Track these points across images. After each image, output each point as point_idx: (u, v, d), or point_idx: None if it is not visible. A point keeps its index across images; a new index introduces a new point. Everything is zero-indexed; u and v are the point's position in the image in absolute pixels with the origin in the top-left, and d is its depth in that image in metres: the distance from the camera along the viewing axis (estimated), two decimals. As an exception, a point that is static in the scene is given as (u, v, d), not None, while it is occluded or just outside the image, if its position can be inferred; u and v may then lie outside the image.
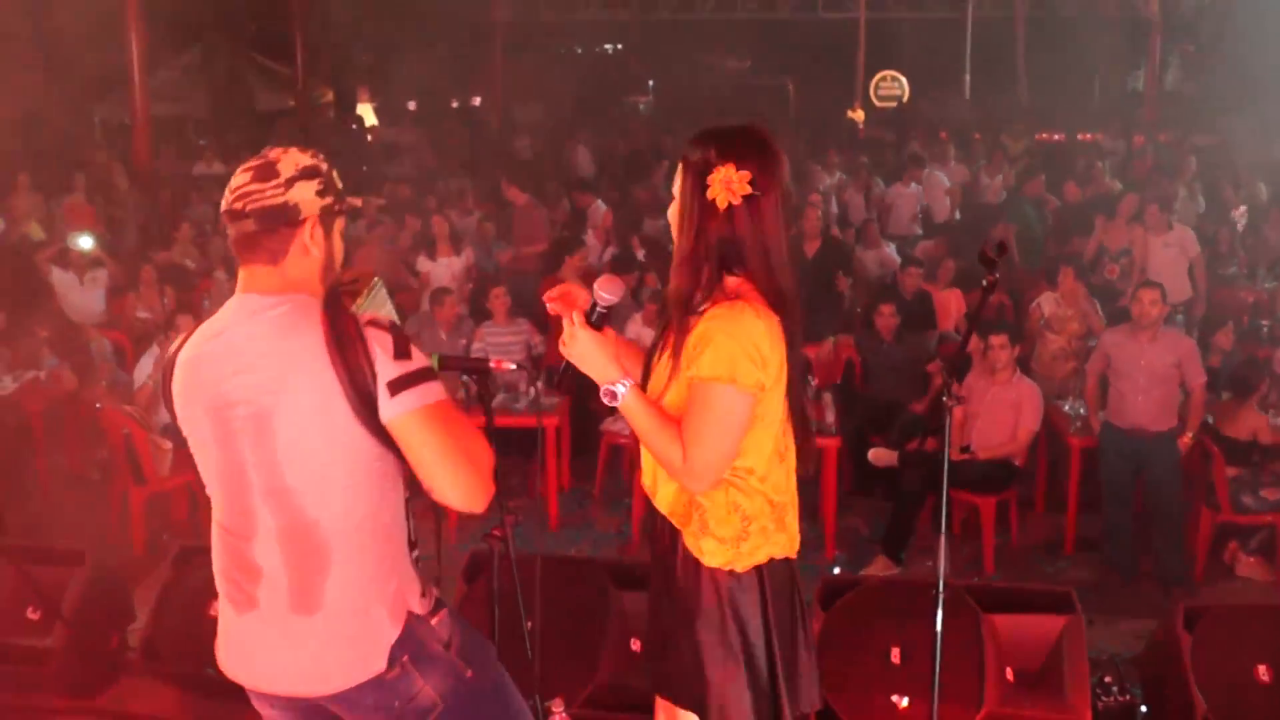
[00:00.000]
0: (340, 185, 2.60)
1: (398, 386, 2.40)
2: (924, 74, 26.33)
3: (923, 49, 26.26)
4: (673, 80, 29.39)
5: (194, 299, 9.33)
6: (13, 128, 13.87)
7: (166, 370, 2.61)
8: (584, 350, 2.76)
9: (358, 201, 2.63)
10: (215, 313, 2.60)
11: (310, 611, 2.51)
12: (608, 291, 2.77)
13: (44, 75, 15.02)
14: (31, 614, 4.75)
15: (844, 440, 7.21)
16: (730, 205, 2.67)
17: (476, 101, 27.94)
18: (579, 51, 32.27)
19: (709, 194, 2.69)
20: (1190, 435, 6.70)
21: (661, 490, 2.86)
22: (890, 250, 11.06)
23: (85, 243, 10.00)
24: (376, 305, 2.78)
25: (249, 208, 2.48)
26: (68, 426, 8.14)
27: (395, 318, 2.78)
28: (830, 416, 7.12)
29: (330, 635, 2.52)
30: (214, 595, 2.69)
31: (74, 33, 14.05)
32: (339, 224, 2.61)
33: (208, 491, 2.62)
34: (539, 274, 9.62)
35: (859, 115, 24.78)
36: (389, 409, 2.41)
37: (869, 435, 7.68)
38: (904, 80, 25.62)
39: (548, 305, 2.87)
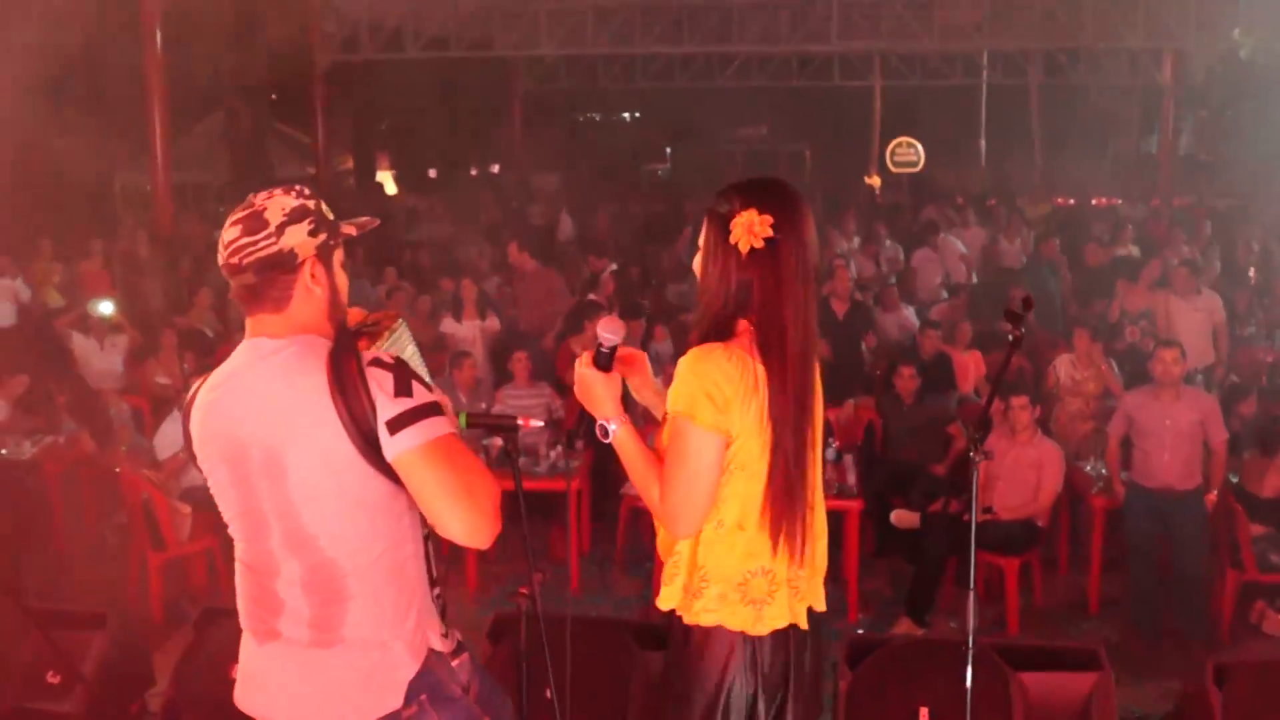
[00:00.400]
0: (331, 216, 2.58)
1: (397, 425, 2.40)
2: (940, 140, 26.49)
3: (938, 116, 26.44)
4: (691, 147, 29.66)
5: (213, 364, 9.33)
6: (35, 194, 14.00)
7: (185, 415, 2.64)
8: (584, 388, 2.83)
9: (352, 229, 2.61)
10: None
11: (329, 645, 2.51)
12: (608, 332, 2.81)
13: (66, 141, 15.16)
14: (52, 678, 4.73)
15: (865, 502, 7.18)
16: (752, 249, 2.69)
17: (495, 169, 28.21)
18: (597, 119, 32.61)
19: (731, 238, 2.70)
20: (1215, 493, 6.66)
21: (662, 532, 2.89)
22: (910, 314, 11.06)
23: (106, 308, 10.05)
24: (399, 346, 2.78)
25: (245, 261, 2.48)
26: (86, 491, 8.13)
27: (417, 358, 2.80)
28: (851, 478, 7.10)
29: (348, 669, 2.51)
30: (236, 658, 2.68)
31: (97, 99, 14.24)
32: (338, 256, 2.61)
33: (231, 531, 2.63)
34: (558, 338, 9.65)
35: (875, 181, 24.92)
36: (391, 448, 2.41)
37: (890, 497, 7.65)
38: (919, 147, 25.77)
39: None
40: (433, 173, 25.71)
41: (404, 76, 21.25)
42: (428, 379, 2.54)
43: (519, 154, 25.78)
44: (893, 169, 25.82)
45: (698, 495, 2.69)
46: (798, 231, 2.73)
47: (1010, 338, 3.26)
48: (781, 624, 2.76)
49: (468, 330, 9.99)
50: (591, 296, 10.64)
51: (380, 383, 2.42)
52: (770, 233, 2.69)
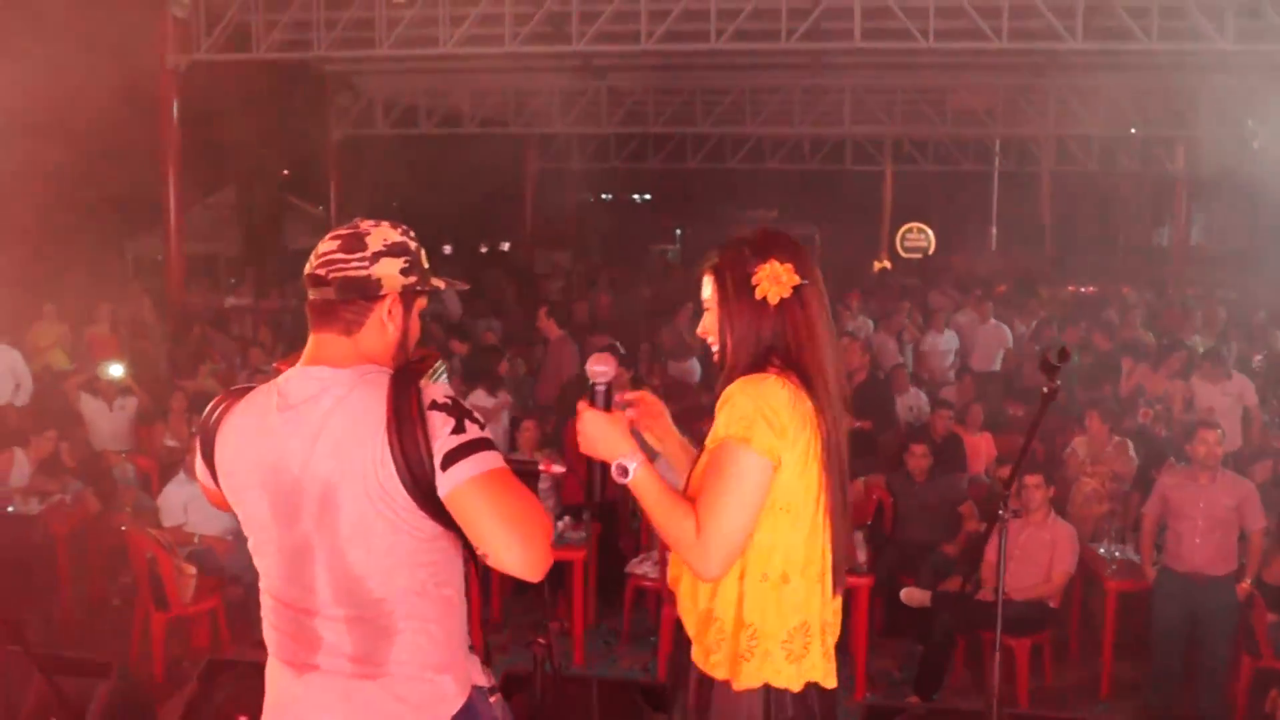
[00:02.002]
0: (427, 265, 2.57)
1: (451, 459, 2.34)
2: (951, 226, 26.64)
3: (950, 201, 26.62)
4: (701, 229, 29.80)
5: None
6: (43, 261, 14.07)
7: (207, 436, 2.56)
8: (591, 430, 2.67)
9: (441, 283, 2.59)
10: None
11: (375, 676, 2.44)
12: (598, 366, 2.71)
13: (79, 213, 15.30)
14: (53, 727, 4.65)
15: (875, 580, 7.09)
16: (781, 299, 2.64)
17: (505, 246, 28.37)
18: (607, 199, 32.83)
19: (758, 292, 2.65)
20: (1250, 581, 6.54)
21: (683, 589, 2.76)
22: (919, 395, 11.02)
23: (116, 370, 10.06)
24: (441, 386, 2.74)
25: (331, 275, 2.46)
26: (92, 550, 8.09)
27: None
28: (862, 556, 7.01)
29: (395, 700, 2.44)
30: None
31: (110, 171, 14.36)
32: (419, 303, 2.58)
33: (257, 563, 2.55)
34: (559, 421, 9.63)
35: (885, 265, 25.01)
36: (445, 483, 2.35)
37: (900, 576, 7.56)
38: (930, 232, 25.92)
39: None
40: (447, 249, 25.84)
41: (417, 152, 21.42)
42: (479, 418, 2.48)
43: (530, 232, 25.96)
44: (903, 254, 25.94)
45: (742, 527, 2.57)
46: (816, 274, 2.71)
47: (1044, 389, 3.20)
48: (814, 677, 2.68)
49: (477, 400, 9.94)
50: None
51: (438, 424, 2.37)
52: (797, 279, 2.65)
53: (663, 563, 7.22)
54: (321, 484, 2.39)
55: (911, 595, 7.20)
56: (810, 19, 12.64)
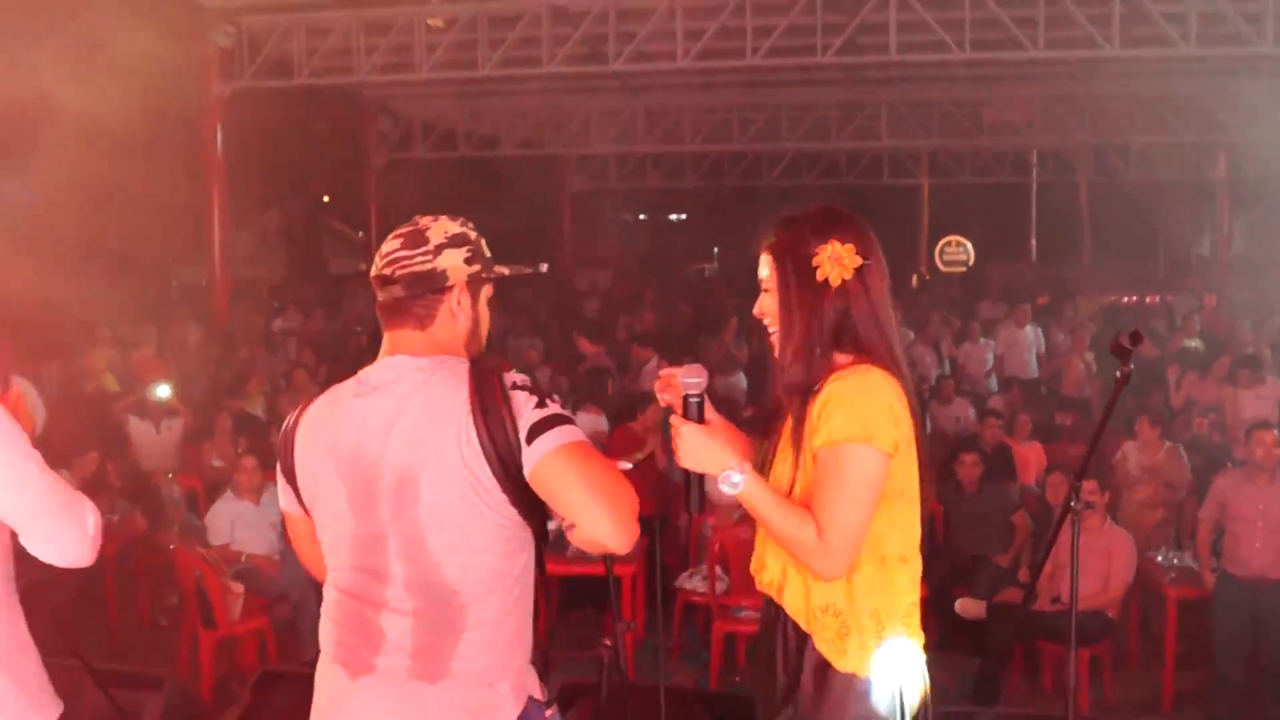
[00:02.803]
0: (489, 254, 2.58)
1: (536, 431, 2.34)
2: (989, 238, 26.48)
3: (988, 213, 26.45)
4: (738, 246, 29.76)
5: (265, 446, 9.39)
6: (95, 289, 14.21)
7: (285, 447, 2.56)
8: (692, 444, 2.62)
9: (505, 270, 2.60)
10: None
11: (434, 679, 2.40)
12: (692, 378, 2.67)
13: (125, 239, 15.43)
14: (109, 738, 4.66)
15: (928, 593, 6.99)
16: (844, 280, 2.60)
17: (544, 267, 28.40)
18: (644, 219, 32.86)
19: (819, 274, 2.60)
20: None
21: (791, 589, 2.69)
22: (965, 405, 10.94)
23: (163, 391, 10.14)
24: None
25: (397, 273, 2.49)
26: (140, 571, 8.12)
27: None
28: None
29: (451, 706, 2.40)
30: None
31: (156, 198, 14.50)
32: (486, 291, 2.60)
33: (328, 559, 2.54)
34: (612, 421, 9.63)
35: (924, 276, 24.87)
36: (530, 457, 2.33)
37: (953, 588, 7.46)
38: (969, 245, 25.77)
39: (659, 399, 2.78)
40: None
41: (457, 175, 21.53)
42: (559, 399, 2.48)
43: (568, 252, 26.01)
44: (942, 267, 25.81)
45: (866, 525, 2.54)
46: (878, 253, 2.66)
47: (1117, 373, 3.13)
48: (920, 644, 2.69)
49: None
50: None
51: (521, 402, 2.37)
52: (859, 260, 2.61)
53: (711, 577, 7.17)
54: (400, 468, 2.38)
55: (967, 606, 7.10)
56: (845, 33, 12.60)
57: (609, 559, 3.09)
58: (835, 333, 2.63)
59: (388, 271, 2.50)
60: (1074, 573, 3.28)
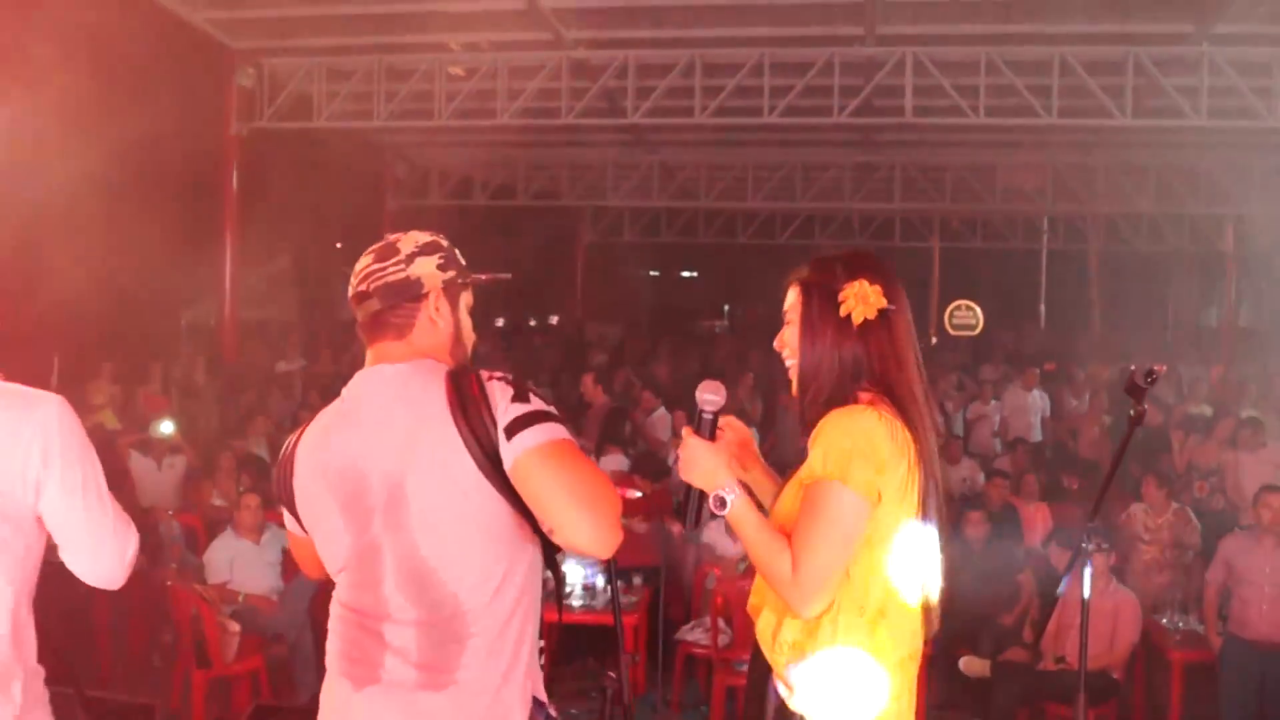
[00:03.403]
0: (464, 262, 2.59)
1: (515, 427, 2.31)
2: (999, 303, 26.49)
3: (998, 278, 26.48)
4: (749, 304, 29.82)
5: (267, 486, 9.37)
6: (100, 328, 14.22)
7: (285, 465, 2.55)
8: (694, 456, 2.62)
9: (483, 276, 2.62)
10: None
11: (440, 687, 2.36)
12: (709, 395, 2.67)
13: (134, 279, 15.47)
14: (97, 770, 4.60)
15: (932, 651, 6.93)
16: (865, 320, 2.58)
17: (554, 320, 28.47)
18: (656, 275, 32.92)
19: (843, 310, 2.59)
20: None
21: (764, 618, 2.67)
22: (973, 465, 10.91)
23: (166, 428, 10.12)
24: None
25: (372, 287, 2.49)
26: (135, 608, 8.04)
27: None
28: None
29: (459, 714, 2.36)
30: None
31: (169, 236, 14.57)
32: (465, 299, 2.61)
33: (334, 576, 2.51)
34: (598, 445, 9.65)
35: (932, 339, 24.84)
36: (509, 451, 2.31)
37: (957, 647, 7.39)
38: (978, 310, 25.77)
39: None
40: (500, 321, 25.98)
41: (470, 223, 21.61)
42: (545, 395, 2.44)
43: (580, 305, 26.06)
44: (951, 331, 25.78)
45: (836, 565, 2.48)
46: (904, 299, 2.66)
47: (1130, 413, 3.12)
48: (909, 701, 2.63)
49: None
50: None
51: (500, 395, 2.35)
52: (884, 303, 2.59)
53: (714, 629, 7.11)
54: (387, 477, 2.36)
55: (971, 664, 7.04)
56: (861, 95, 12.69)
57: (615, 600, 3.06)
58: (854, 370, 2.61)
59: (363, 287, 2.51)
60: (1084, 619, 3.23)
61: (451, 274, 2.54)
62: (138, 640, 8.09)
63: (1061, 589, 3.69)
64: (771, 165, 19.42)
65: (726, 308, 33.48)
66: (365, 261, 2.54)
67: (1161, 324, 26.95)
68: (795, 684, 2.58)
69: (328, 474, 2.44)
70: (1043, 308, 27.84)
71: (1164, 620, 7.11)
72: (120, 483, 9.53)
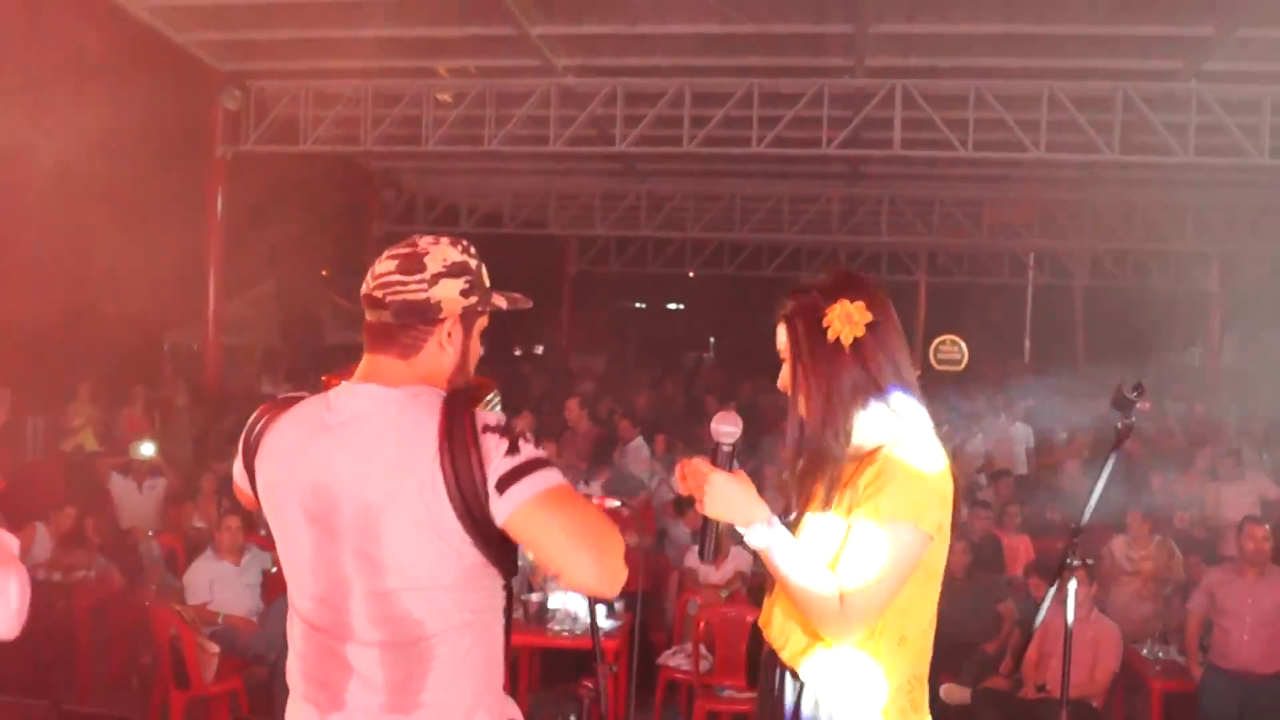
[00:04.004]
0: (488, 284, 2.48)
1: (508, 481, 2.23)
2: (984, 337, 26.53)
3: (984, 313, 26.53)
4: (735, 337, 29.83)
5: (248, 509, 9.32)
6: (83, 351, 14.17)
7: (249, 445, 2.45)
8: (723, 493, 2.54)
9: (503, 302, 2.49)
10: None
11: (407, 710, 2.30)
12: (726, 426, 2.60)
13: (116, 305, 15.41)
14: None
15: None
16: (855, 339, 2.55)
17: (539, 350, 28.46)
18: (643, 307, 32.98)
19: (830, 335, 2.56)
20: None
21: (793, 641, 2.63)
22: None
23: (147, 449, 10.07)
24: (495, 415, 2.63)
25: (389, 299, 2.37)
26: (114, 628, 8.00)
27: None
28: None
29: None
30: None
31: (154, 260, 14.55)
32: (480, 323, 2.49)
33: (291, 589, 2.44)
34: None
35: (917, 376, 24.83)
36: (504, 507, 2.23)
37: (939, 675, 7.35)
38: (963, 345, 25.82)
39: (679, 489, 2.67)
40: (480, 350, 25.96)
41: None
42: (532, 439, 2.35)
43: (566, 335, 26.04)
44: (936, 366, 25.82)
45: (889, 599, 2.48)
46: (889, 309, 2.62)
47: (1118, 425, 3.10)
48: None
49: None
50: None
51: (491, 447, 2.25)
52: (870, 316, 2.56)
53: (696, 655, 7.08)
54: (365, 506, 2.27)
55: (951, 692, 7.01)
56: (850, 127, 12.74)
57: (594, 615, 3.01)
58: (856, 392, 2.58)
59: (379, 294, 2.37)
60: (1068, 638, 3.21)
61: (473, 300, 2.42)
62: (117, 661, 8.04)
63: (1044, 610, 3.63)
64: (759, 197, 19.47)
65: (713, 340, 33.50)
66: (387, 267, 2.39)
67: (1146, 361, 27.02)
68: (818, 697, 2.56)
69: (301, 487, 2.35)
70: (1028, 343, 27.90)
71: (1144, 650, 7.09)
72: (100, 504, 9.49)
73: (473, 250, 2.47)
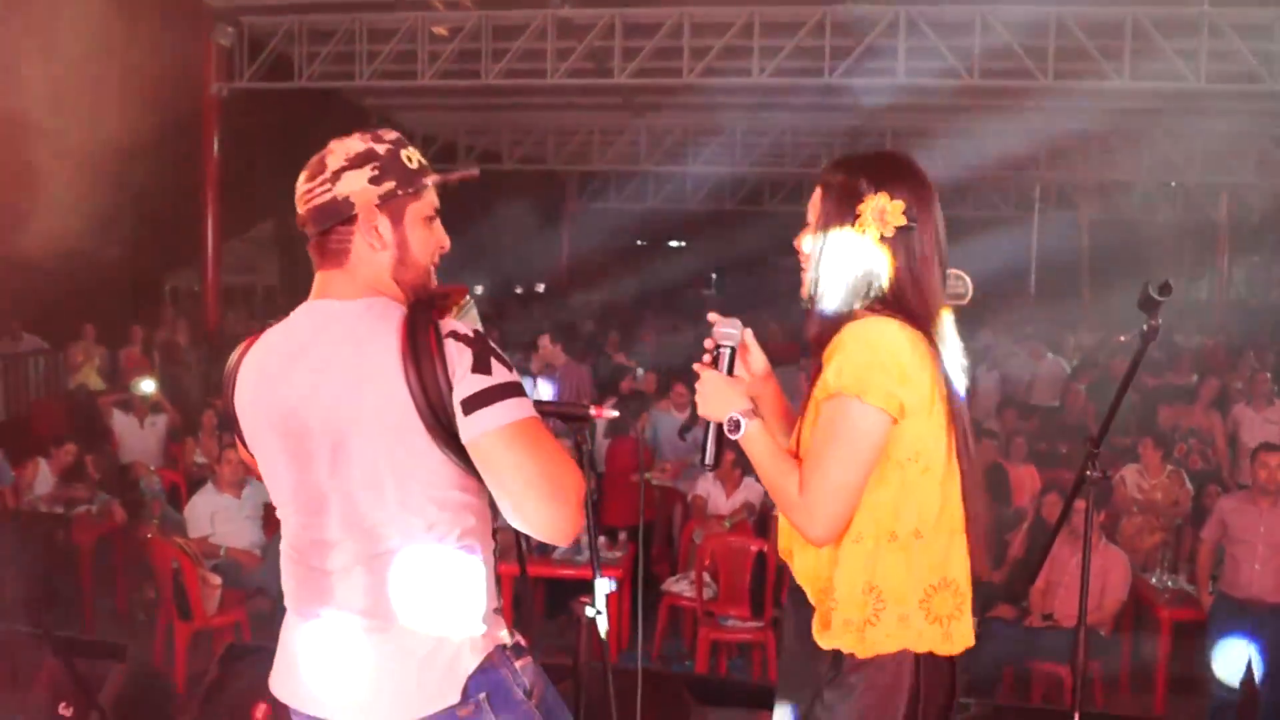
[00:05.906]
0: (413, 165, 2.28)
1: (473, 404, 2.13)
2: (989, 271, 26.38)
3: (988, 247, 26.35)
4: (737, 274, 29.70)
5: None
6: (83, 294, 14.11)
7: (228, 383, 2.39)
8: (710, 388, 2.50)
9: (435, 176, 2.32)
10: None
11: (384, 629, 2.24)
12: (726, 328, 2.55)
13: (120, 248, 15.32)
14: (64, 710, 4.50)
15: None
16: (882, 237, 2.42)
17: (540, 288, 28.36)
18: (642, 244, 32.76)
19: (859, 224, 2.44)
20: None
21: (799, 557, 2.53)
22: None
23: (147, 386, 10.05)
24: (468, 323, 2.52)
25: (303, 210, 2.27)
26: (117, 562, 8.00)
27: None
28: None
29: (402, 654, 2.24)
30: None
31: (151, 203, 14.42)
32: (414, 209, 2.30)
33: (278, 513, 2.38)
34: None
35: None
36: (467, 429, 2.14)
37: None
38: (968, 279, 25.67)
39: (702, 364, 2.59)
40: (479, 289, 25.85)
41: (457, 188, 21.44)
42: (507, 359, 2.25)
43: (566, 272, 25.94)
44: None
45: (850, 484, 2.33)
46: (931, 216, 2.46)
47: (1144, 327, 3.00)
48: (969, 643, 2.47)
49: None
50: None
51: (458, 357, 2.15)
52: (903, 220, 2.42)
53: (699, 583, 7.04)
54: (331, 428, 2.20)
55: (957, 622, 6.97)
56: (853, 55, 12.55)
57: (593, 536, 2.91)
58: (866, 290, 2.45)
59: (300, 211, 2.28)
60: (1086, 554, 3.14)
61: (389, 185, 2.24)
62: (121, 596, 8.05)
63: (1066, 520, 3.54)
64: (760, 130, 19.30)
65: (715, 276, 33.34)
66: (300, 180, 2.28)
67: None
68: (828, 623, 2.44)
69: (270, 415, 2.28)
70: (1033, 277, 27.74)
71: (1153, 579, 7.04)
72: (102, 440, 9.47)
73: (389, 136, 2.30)
